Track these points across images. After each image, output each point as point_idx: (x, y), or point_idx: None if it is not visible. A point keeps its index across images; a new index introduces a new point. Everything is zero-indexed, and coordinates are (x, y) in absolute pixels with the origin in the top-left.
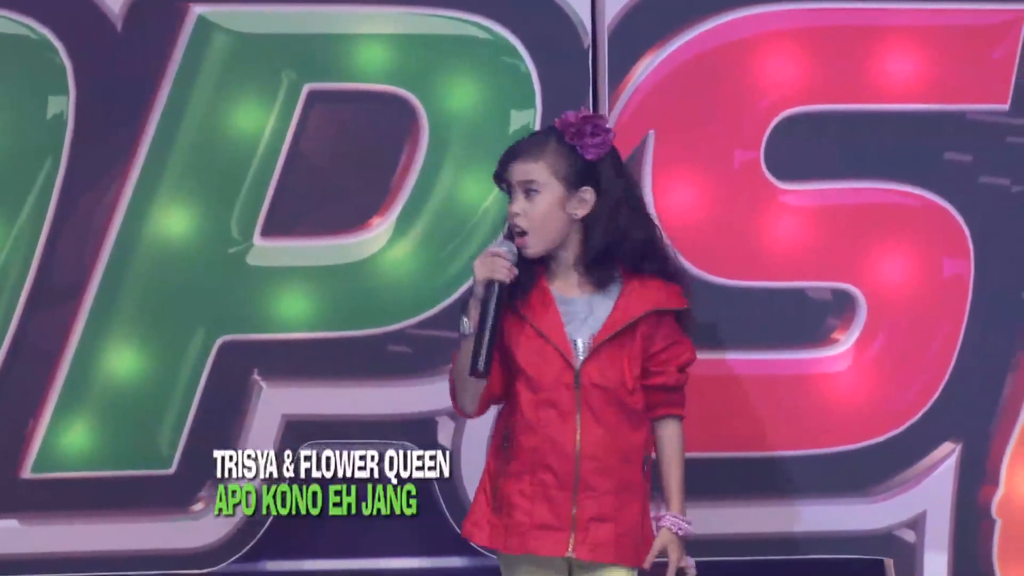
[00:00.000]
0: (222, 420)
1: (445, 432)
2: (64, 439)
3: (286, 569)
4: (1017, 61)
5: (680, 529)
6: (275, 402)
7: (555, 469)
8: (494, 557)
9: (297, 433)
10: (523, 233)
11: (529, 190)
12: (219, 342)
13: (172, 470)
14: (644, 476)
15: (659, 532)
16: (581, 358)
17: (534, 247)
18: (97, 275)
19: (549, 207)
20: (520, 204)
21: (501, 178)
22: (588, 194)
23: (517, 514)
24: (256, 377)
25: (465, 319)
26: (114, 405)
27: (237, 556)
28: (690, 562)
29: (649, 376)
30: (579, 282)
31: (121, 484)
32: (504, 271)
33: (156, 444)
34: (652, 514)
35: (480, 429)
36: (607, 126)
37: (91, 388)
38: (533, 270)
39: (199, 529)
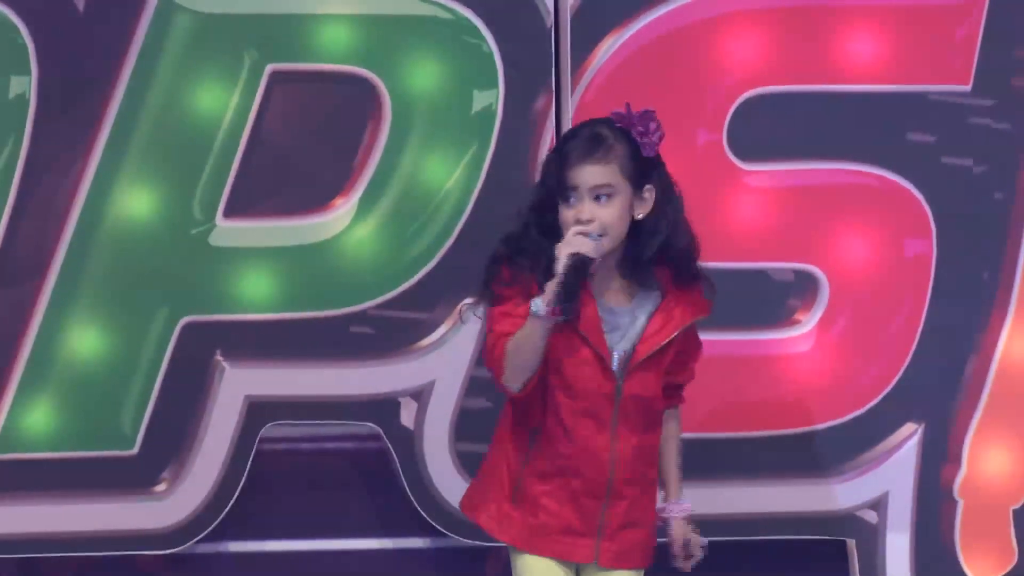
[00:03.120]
0: (185, 401)
1: (408, 412)
2: (26, 420)
3: (250, 550)
4: (979, 41)
5: (689, 513)
6: (238, 383)
7: (587, 477)
8: (459, 539)
9: (260, 414)
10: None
11: (602, 195)
12: (182, 323)
13: (135, 451)
14: (657, 475)
15: (674, 523)
16: (622, 370)
17: (602, 252)
18: (59, 256)
19: (623, 210)
20: (590, 209)
21: (564, 185)
22: (649, 193)
23: (543, 515)
24: (219, 358)
25: (538, 300)
26: (76, 386)
27: (200, 536)
28: (703, 541)
29: (670, 375)
30: (621, 288)
31: (83, 465)
32: (591, 246)
33: (119, 425)
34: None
35: (442, 409)
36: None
37: (53, 369)
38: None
39: (162, 510)
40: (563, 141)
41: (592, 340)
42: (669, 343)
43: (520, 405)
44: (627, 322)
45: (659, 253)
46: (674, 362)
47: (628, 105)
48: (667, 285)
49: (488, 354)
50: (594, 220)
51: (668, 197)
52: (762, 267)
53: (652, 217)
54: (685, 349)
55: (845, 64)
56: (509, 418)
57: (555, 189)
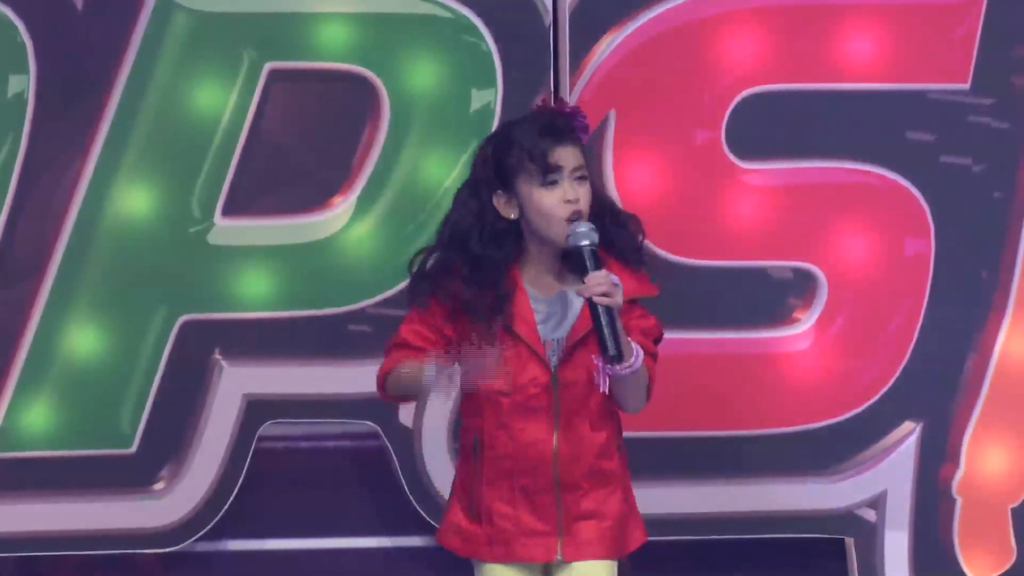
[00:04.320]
0: (183, 399)
1: (406, 411)
2: (25, 419)
3: (248, 548)
4: (978, 40)
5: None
6: (236, 381)
7: (534, 473)
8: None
9: (258, 412)
10: (580, 216)
11: (581, 176)
12: (180, 321)
13: (133, 449)
14: (620, 463)
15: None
16: (556, 358)
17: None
18: (58, 254)
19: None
20: (575, 190)
21: (548, 168)
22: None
23: (500, 521)
24: (217, 356)
25: (433, 367)
26: (75, 385)
27: (199, 535)
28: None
29: None
30: (555, 276)
31: (82, 463)
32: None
33: (117, 423)
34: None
35: (440, 408)
36: None
37: (52, 368)
38: (507, 267)
39: (160, 508)
40: (522, 132)
41: (524, 334)
42: None
43: (463, 421)
44: (560, 308)
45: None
46: None
47: (545, 96)
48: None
49: (385, 351)
50: (579, 200)
51: (596, 183)
52: (761, 265)
53: (595, 200)
54: (628, 322)
55: (844, 62)
56: (459, 438)
57: (535, 174)
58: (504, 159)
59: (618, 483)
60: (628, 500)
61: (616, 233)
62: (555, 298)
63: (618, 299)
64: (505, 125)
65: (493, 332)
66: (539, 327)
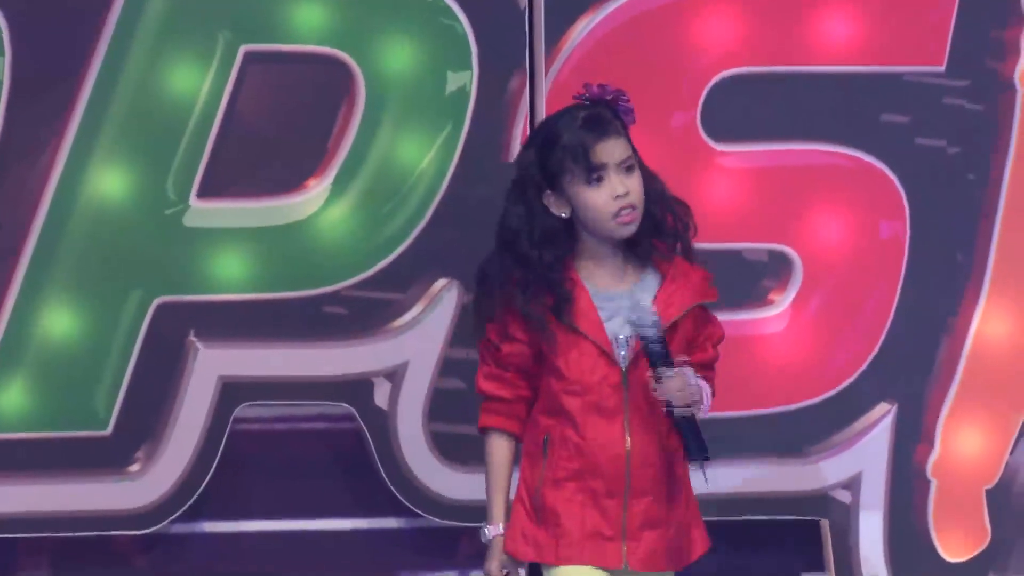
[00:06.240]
0: (158, 381)
1: (382, 393)
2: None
3: (224, 530)
4: (953, 22)
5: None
6: (211, 363)
7: (605, 475)
8: (433, 519)
9: (233, 394)
10: (633, 208)
11: (629, 167)
12: (155, 303)
13: (108, 431)
14: (686, 468)
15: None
16: (627, 356)
17: (637, 224)
18: (33, 237)
19: (642, 181)
20: (624, 183)
21: (591, 167)
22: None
23: (566, 523)
24: (192, 338)
25: (488, 528)
26: (50, 367)
27: (174, 516)
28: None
29: (690, 355)
30: (619, 271)
31: (57, 445)
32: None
33: (92, 405)
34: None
35: (416, 390)
36: None
37: (27, 350)
38: (564, 262)
39: (136, 490)
40: (562, 131)
41: (590, 333)
42: (673, 326)
43: (535, 416)
44: (628, 306)
45: (660, 227)
46: (689, 347)
47: (588, 84)
48: (662, 267)
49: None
50: (629, 192)
51: (648, 169)
52: (736, 247)
53: (647, 189)
54: (698, 334)
55: (819, 45)
56: (525, 440)
57: (580, 173)
58: (547, 160)
59: (685, 493)
60: (691, 507)
61: (666, 223)
62: (619, 294)
63: (699, 406)
64: (544, 122)
65: (553, 334)
66: (605, 325)
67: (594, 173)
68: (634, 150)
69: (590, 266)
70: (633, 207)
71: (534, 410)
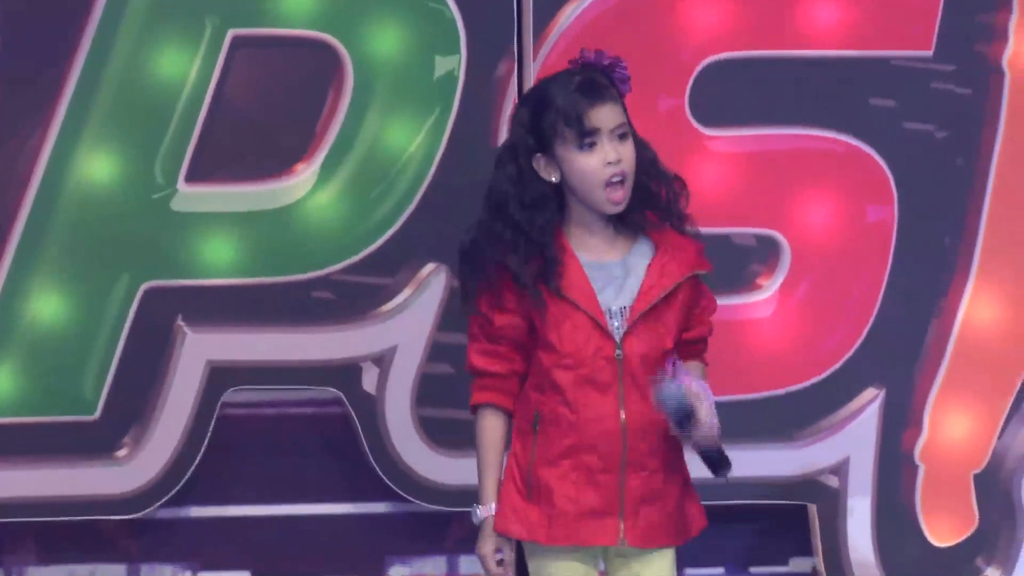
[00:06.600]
0: (146, 366)
1: (370, 377)
2: None
3: (212, 514)
4: (941, 6)
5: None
6: (199, 348)
7: (600, 450)
8: (421, 504)
9: (221, 379)
10: (623, 181)
11: (623, 134)
12: (143, 288)
13: (96, 416)
14: (680, 442)
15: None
16: (621, 327)
17: (627, 199)
18: (21, 221)
19: (634, 150)
20: (617, 149)
21: (584, 131)
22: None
23: (560, 501)
24: (180, 323)
25: (479, 508)
26: (38, 351)
27: (162, 501)
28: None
29: (688, 330)
30: (609, 241)
31: (45, 430)
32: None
33: (80, 390)
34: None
35: (404, 374)
36: None
37: (15, 335)
38: (554, 233)
39: (123, 475)
40: (556, 94)
41: (582, 303)
42: (670, 295)
43: (522, 398)
44: (620, 275)
45: (653, 195)
46: (686, 319)
47: (584, 49)
48: (654, 236)
49: (466, 365)
50: (621, 160)
51: (641, 139)
52: (724, 232)
53: (639, 158)
54: (694, 305)
55: (807, 29)
56: (516, 416)
57: (572, 138)
58: (540, 123)
59: (681, 469)
60: (688, 481)
61: (658, 194)
62: (611, 264)
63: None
64: (539, 85)
65: (543, 300)
66: (598, 296)
67: (587, 138)
68: (628, 118)
69: (580, 234)
70: (624, 175)
71: (527, 387)
